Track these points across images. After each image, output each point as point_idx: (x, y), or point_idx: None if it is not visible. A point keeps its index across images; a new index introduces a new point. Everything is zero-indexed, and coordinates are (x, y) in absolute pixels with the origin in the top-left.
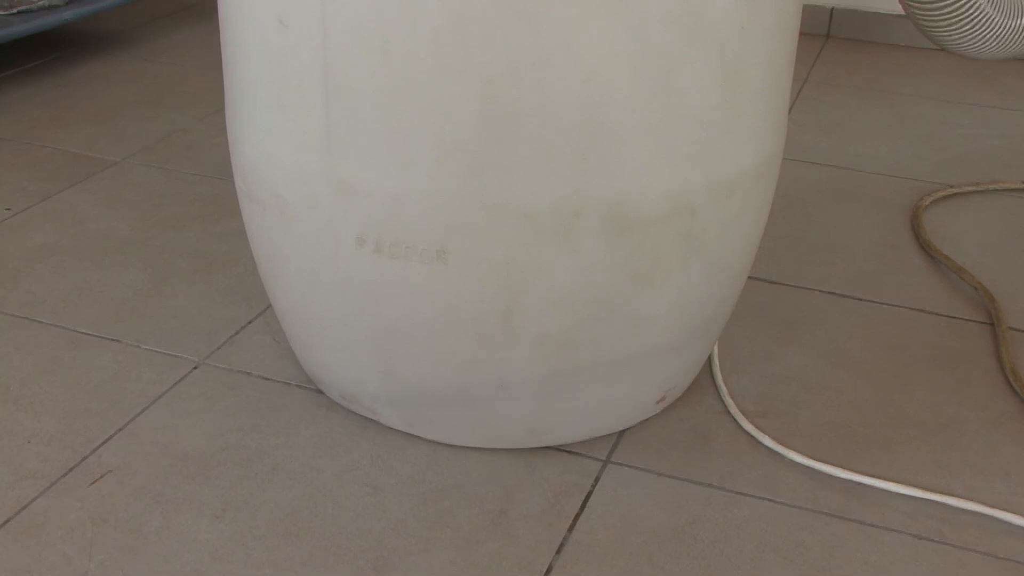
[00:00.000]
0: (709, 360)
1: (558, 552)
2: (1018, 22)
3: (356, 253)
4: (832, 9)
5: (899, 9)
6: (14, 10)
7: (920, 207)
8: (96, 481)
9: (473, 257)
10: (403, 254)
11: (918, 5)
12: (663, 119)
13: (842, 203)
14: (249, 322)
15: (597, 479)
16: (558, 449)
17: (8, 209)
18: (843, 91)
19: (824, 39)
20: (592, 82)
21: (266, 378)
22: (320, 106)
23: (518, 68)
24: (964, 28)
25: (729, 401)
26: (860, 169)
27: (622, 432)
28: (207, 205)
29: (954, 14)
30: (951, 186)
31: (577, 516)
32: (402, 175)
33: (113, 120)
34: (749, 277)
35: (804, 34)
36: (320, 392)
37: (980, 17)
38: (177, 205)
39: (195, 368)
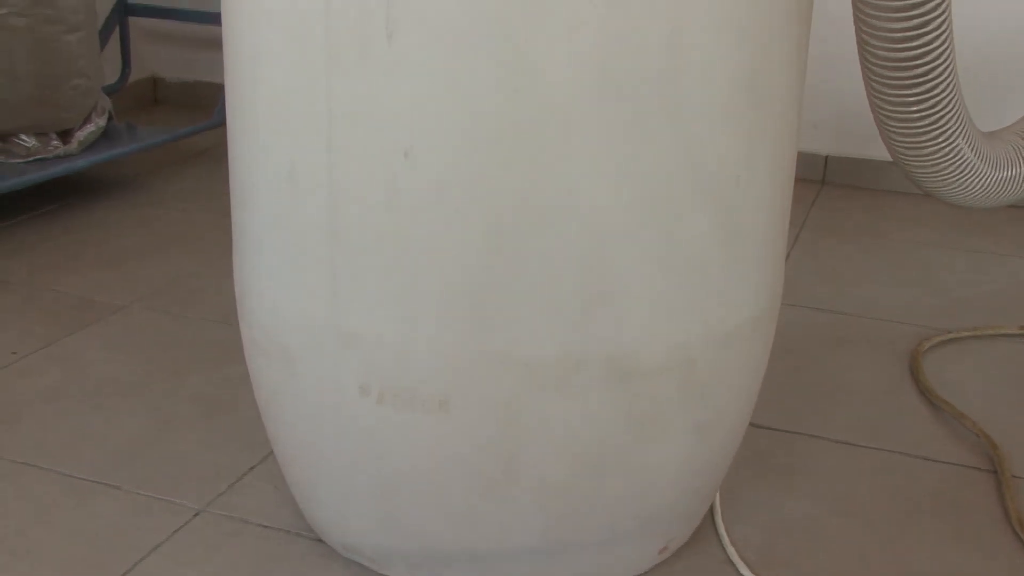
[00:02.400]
0: (711, 508)
1: None
2: (1004, 174)
3: (359, 402)
4: (827, 156)
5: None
6: (31, 158)
7: (919, 352)
8: None
9: (475, 407)
10: (406, 404)
11: (904, 152)
12: (663, 271)
13: (841, 348)
14: (251, 468)
15: None
16: None
17: (14, 353)
18: (840, 236)
19: (820, 185)
20: (594, 235)
21: (267, 526)
22: (326, 257)
23: (521, 220)
24: (949, 177)
25: (731, 551)
26: (858, 314)
27: None
28: (212, 350)
29: (938, 163)
30: (949, 331)
31: None
32: (406, 324)
33: (121, 264)
34: (750, 424)
35: (800, 180)
36: (321, 542)
37: (965, 167)
38: (182, 349)
39: (196, 515)
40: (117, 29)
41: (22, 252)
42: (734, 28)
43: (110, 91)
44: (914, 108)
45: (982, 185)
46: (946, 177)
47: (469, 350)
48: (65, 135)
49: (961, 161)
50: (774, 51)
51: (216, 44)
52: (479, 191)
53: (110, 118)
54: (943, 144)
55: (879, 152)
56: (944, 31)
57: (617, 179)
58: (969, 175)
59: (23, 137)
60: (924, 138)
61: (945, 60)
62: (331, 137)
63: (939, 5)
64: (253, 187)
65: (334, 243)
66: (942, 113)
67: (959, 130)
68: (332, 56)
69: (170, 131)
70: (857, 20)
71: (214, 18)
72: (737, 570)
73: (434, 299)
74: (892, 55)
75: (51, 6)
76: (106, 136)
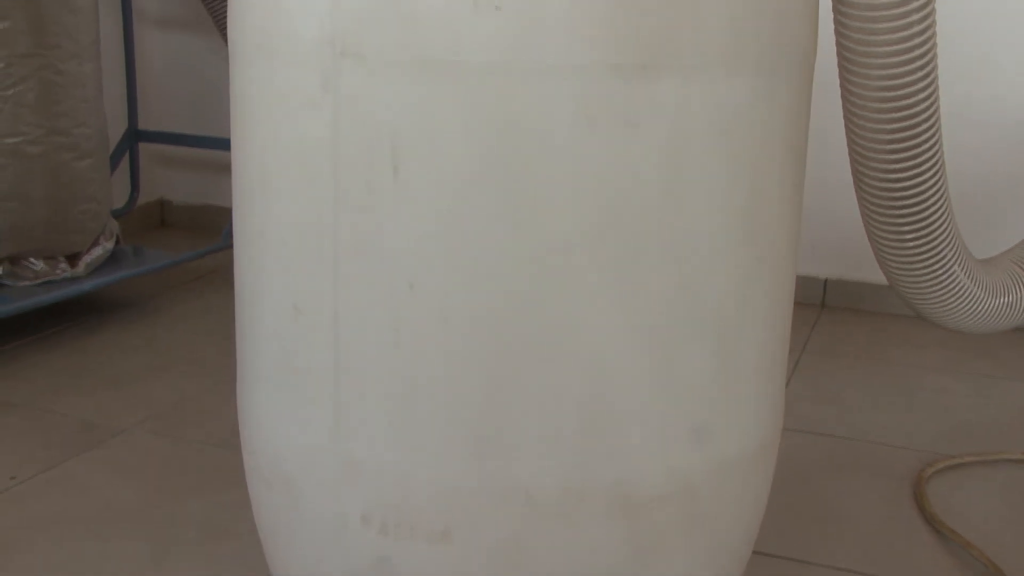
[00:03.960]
0: None
1: None
2: (1002, 300)
3: (361, 532)
4: (826, 280)
5: None
6: (39, 281)
7: (923, 478)
8: None
9: (477, 537)
10: (408, 534)
11: (901, 279)
12: (664, 401)
13: (844, 474)
14: None
15: None
16: None
17: (13, 478)
18: (841, 360)
19: (820, 308)
20: (595, 367)
21: None
22: (329, 388)
23: (523, 352)
24: (946, 303)
25: None
26: (861, 439)
27: None
28: (213, 474)
29: (935, 290)
30: (953, 456)
31: None
32: (408, 455)
33: (125, 387)
34: (753, 552)
35: (800, 303)
36: None
37: (962, 293)
38: (183, 474)
39: None
40: (127, 153)
41: (26, 374)
42: (730, 166)
43: (118, 214)
44: (909, 236)
45: (980, 311)
46: (944, 304)
47: (471, 480)
48: (73, 258)
49: (958, 287)
50: (770, 186)
51: (223, 168)
52: (482, 323)
53: (117, 241)
54: (939, 271)
55: (879, 275)
56: (935, 162)
57: (617, 312)
58: (966, 301)
59: (32, 260)
60: (920, 265)
61: (938, 190)
62: (337, 269)
63: (930, 139)
64: (258, 317)
65: (337, 374)
66: (937, 241)
67: (954, 257)
68: (339, 190)
69: (176, 255)
70: (852, 153)
71: (222, 144)
72: None
73: (437, 430)
74: (886, 185)
75: (66, 134)
76: (113, 259)
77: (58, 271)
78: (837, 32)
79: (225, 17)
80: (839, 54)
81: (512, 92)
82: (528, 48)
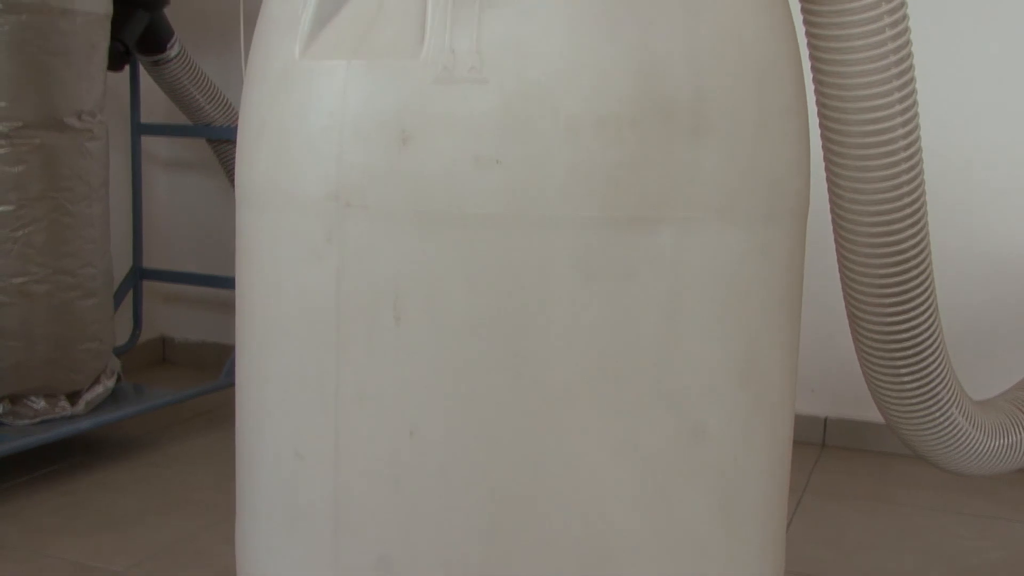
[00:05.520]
0: None
1: None
2: (1001, 442)
3: None
4: (826, 419)
5: None
6: (37, 419)
7: None
8: None
9: None
10: None
11: (900, 422)
12: (664, 551)
13: None
14: None
15: None
16: None
17: None
18: (842, 501)
19: (820, 448)
20: (594, 517)
21: None
22: (328, 532)
23: (522, 503)
24: (945, 445)
25: None
26: None
27: None
28: None
29: (934, 431)
30: None
31: None
32: None
33: (120, 527)
34: None
35: (800, 443)
36: None
37: (960, 435)
38: None
39: None
40: (131, 291)
41: (20, 515)
42: (727, 314)
43: (120, 351)
44: (906, 378)
45: (979, 453)
46: (943, 445)
47: None
48: (73, 396)
49: (956, 429)
50: (767, 332)
51: (223, 306)
52: (481, 472)
53: (118, 379)
54: (937, 413)
55: (879, 414)
56: (929, 305)
57: (615, 459)
58: (965, 443)
59: (32, 399)
60: (918, 407)
61: (932, 332)
62: (338, 416)
63: (922, 283)
64: (259, 459)
65: (337, 518)
66: (934, 383)
67: (951, 398)
68: (342, 338)
69: (176, 393)
70: (847, 296)
71: (226, 282)
72: None
73: (435, 574)
74: (881, 328)
75: (72, 274)
76: (113, 397)
77: (57, 409)
78: (829, 182)
79: (232, 161)
80: (832, 203)
81: (512, 244)
82: (528, 201)
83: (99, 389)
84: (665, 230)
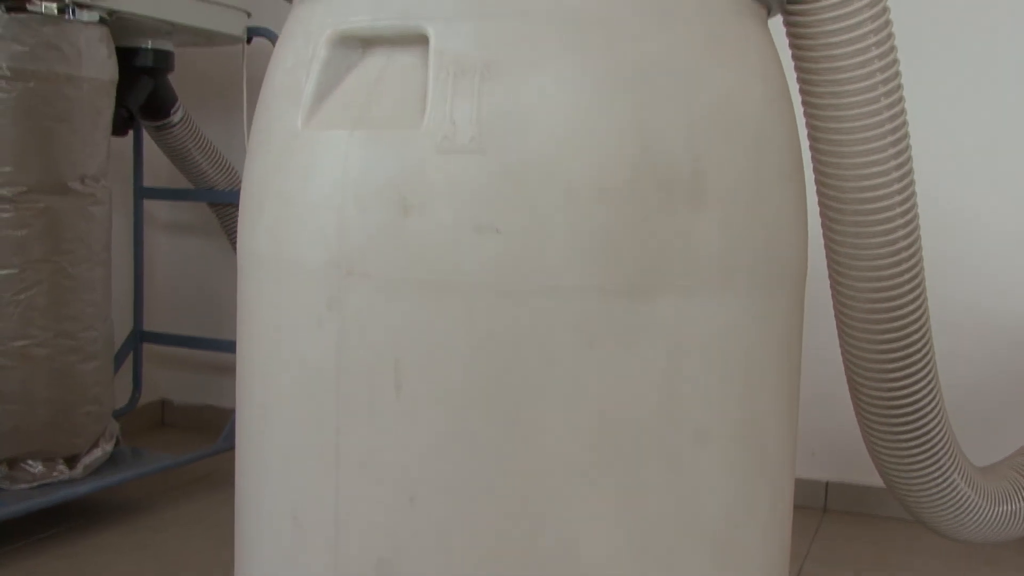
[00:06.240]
0: None
1: None
2: (1003, 508)
3: None
4: (827, 483)
5: None
6: (36, 483)
7: None
8: None
9: None
10: None
11: (902, 489)
12: None
13: None
14: None
15: None
16: None
17: None
18: (844, 569)
19: (821, 513)
20: None
21: None
22: None
23: (522, 567)
24: (947, 511)
25: None
26: None
27: None
28: None
29: (935, 498)
30: None
31: None
32: None
33: None
34: None
35: (801, 507)
36: None
37: (962, 501)
38: None
39: None
40: (131, 354)
41: None
42: (726, 380)
43: (119, 414)
44: (906, 444)
45: (981, 520)
46: (944, 511)
47: None
48: (72, 459)
49: (957, 495)
50: (766, 397)
51: (223, 369)
52: (480, 539)
53: (117, 443)
54: (939, 478)
55: (879, 478)
56: (929, 371)
57: (615, 527)
58: (966, 510)
59: (30, 463)
60: (919, 473)
61: (933, 397)
62: (338, 482)
63: (921, 348)
64: (258, 523)
65: None
66: (935, 448)
67: (953, 464)
68: (342, 405)
69: (174, 457)
70: (846, 362)
71: (227, 346)
72: None
73: None
74: (881, 394)
75: (72, 337)
76: (112, 460)
77: (55, 473)
78: (827, 248)
79: (234, 224)
80: (830, 268)
81: (512, 311)
82: (528, 269)
83: (98, 453)
84: (664, 298)
